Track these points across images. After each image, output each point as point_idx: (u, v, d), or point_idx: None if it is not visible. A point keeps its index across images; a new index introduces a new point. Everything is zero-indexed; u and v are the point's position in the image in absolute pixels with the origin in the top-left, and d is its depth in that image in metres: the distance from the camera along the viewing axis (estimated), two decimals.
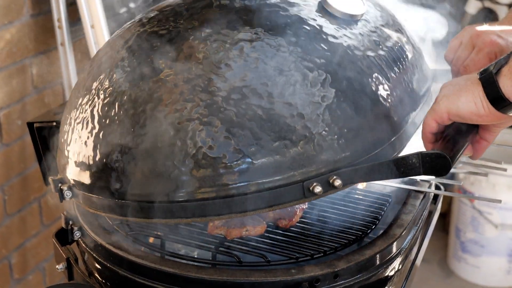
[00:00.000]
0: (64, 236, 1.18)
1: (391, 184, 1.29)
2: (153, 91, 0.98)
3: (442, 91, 1.00)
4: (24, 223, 2.15)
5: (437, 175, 0.94)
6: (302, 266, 1.02)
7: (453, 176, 1.40)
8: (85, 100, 1.06)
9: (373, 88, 1.03)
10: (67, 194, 1.08)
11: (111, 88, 1.02)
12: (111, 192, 0.99)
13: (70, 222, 1.17)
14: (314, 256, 1.05)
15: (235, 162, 0.93)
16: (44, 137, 1.26)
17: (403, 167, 0.94)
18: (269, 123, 0.94)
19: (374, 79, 1.04)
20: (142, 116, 0.97)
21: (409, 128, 1.08)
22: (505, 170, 1.34)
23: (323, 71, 1.00)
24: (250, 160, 0.93)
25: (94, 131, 1.01)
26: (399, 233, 1.11)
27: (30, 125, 1.27)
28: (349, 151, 0.97)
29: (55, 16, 2.06)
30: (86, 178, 1.02)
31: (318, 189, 0.95)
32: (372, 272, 1.06)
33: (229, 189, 0.93)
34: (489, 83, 0.93)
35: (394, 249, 1.10)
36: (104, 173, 0.99)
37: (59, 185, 1.08)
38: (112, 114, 1.00)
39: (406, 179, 1.31)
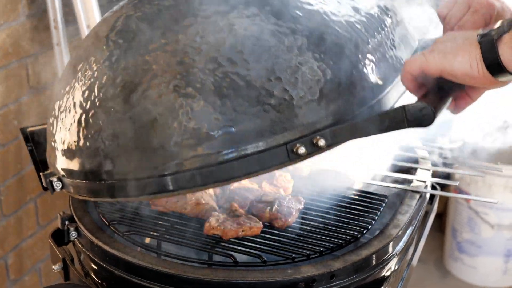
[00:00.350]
0: (60, 237, 1.18)
1: (387, 185, 1.30)
2: (130, 70, 0.99)
3: (438, 45, 0.99)
4: (20, 224, 2.14)
5: (422, 126, 0.93)
6: (298, 267, 1.02)
7: (449, 176, 1.40)
8: (67, 89, 1.06)
9: (353, 50, 1.02)
10: (57, 185, 1.07)
11: (90, 72, 1.03)
12: (99, 175, 0.99)
13: (66, 223, 1.17)
14: (311, 257, 1.05)
15: (216, 131, 0.93)
16: (38, 141, 1.26)
17: (388, 121, 0.93)
18: (247, 89, 0.95)
19: (353, 42, 1.03)
20: (120, 95, 0.98)
21: (393, 92, 1.07)
22: (501, 170, 1.34)
23: (299, 36, 1.00)
24: (231, 127, 0.93)
25: (76, 117, 1.02)
26: (395, 233, 1.12)
27: (23, 130, 1.27)
28: (331, 112, 0.96)
29: (51, 16, 2.05)
30: (73, 165, 1.02)
31: (302, 150, 0.94)
32: (368, 272, 1.06)
33: (212, 158, 0.93)
34: (488, 48, 0.92)
35: (390, 249, 1.10)
36: (90, 156, 0.99)
37: (49, 178, 1.08)
38: (92, 97, 1.00)
39: (401, 179, 1.32)
